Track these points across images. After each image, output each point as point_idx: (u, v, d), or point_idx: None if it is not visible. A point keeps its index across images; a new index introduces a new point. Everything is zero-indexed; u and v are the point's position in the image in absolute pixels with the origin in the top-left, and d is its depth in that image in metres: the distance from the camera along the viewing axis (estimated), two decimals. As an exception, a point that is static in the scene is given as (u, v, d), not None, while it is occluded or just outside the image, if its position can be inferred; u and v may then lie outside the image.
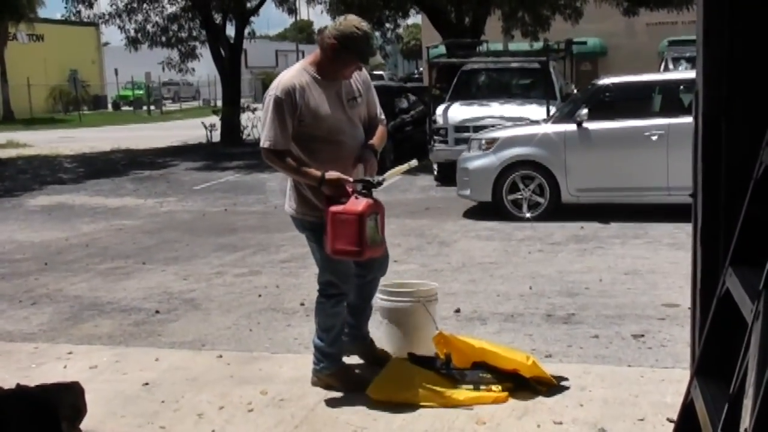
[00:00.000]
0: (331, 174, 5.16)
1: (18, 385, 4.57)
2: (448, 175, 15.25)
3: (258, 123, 26.57)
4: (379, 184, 5.31)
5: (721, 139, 3.76)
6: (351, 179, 5.22)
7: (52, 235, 12.34)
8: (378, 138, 5.55)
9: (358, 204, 5.10)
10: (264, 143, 5.26)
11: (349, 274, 5.50)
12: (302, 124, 5.25)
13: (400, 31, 32.05)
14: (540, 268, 9.04)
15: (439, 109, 17.33)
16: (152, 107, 56.12)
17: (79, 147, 28.44)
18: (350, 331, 5.82)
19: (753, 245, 3.15)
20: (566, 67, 21.32)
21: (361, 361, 5.94)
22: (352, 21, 5.30)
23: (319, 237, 5.35)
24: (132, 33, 28.66)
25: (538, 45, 22.99)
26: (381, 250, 5.43)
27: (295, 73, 5.34)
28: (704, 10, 3.81)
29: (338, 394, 5.41)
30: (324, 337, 5.54)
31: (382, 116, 5.70)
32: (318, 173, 5.17)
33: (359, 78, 5.50)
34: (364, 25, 5.31)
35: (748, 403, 2.47)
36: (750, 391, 2.47)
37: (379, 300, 6.03)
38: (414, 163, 5.70)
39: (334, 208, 5.11)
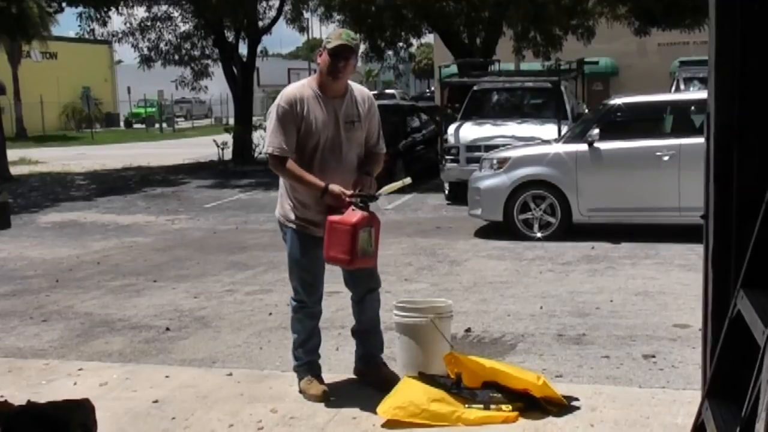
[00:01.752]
0: (334, 187, 5.41)
1: (28, 401, 4.58)
2: (459, 194, 15.26)
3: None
4: (375, 198, 5.57)
5: (733, 160, 3.76)
6: (349, 192, 5.44)
7: (64, 252, 12.37)
8: (375, 164, 5.79)
9: (353, 216, 5.35)
10: (267, 149, 5.54)
11: (314, 286, 5.77)
12: (298, 134, 5.51)
13: (413, 50, 32.11)
14: (551, 288, 9.03)
15: (451, 129, 17.34)
16: (164, 125, 56.26)
17: (91, 164, 28.54)
18: (363, 356, 6.03)
19: (765, 268, 3.14)
20: (578, 87, 21.33)
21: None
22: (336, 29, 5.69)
23: (290, 244, 5.71)
24: (145, 51, 28.75)
25: (551, 65, 23.00)
26: (372, 261, 5.65)
27: (298, 86, 5.66)
28: (716, 31, 3.82)
29: (349, 413, 5.41)
30: (293, 339, 5.94)
31: (382, 145, 5.90)
32: (322, 183, 5.43)
33: (363, 103, 5.72)
34: (343, 29, 5.65)
35: (760, 427, 2.47)
36: (762, 416, 2.47)
37: (393, 316, 6.07)
38: (408, 180, 5.91)
39: (332, 218, 5.38)
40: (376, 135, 5.81)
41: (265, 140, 5.56)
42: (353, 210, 5.37)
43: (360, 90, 5.80)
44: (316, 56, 5.65)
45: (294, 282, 5.82)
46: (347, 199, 5.40)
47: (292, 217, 5.66)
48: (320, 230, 5.52)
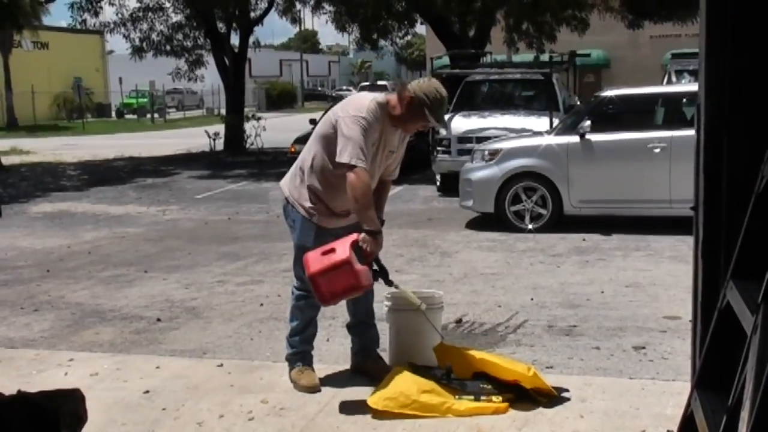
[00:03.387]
0: (381, 241, 5.34)
1: (19, 391, 4.57)
2: (450, 185, 15.27)
3: (261, 132, 26.70)
4: (391, 284, 5.58)
5: (723, 152, 3.77)
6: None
7: (55, 242, 12.35)
8: (384, 193, 5.82)
9: (366, 279, 5.28)
10: (355, 161, 5.27)
11: None
12: None
13: (408, 38, 32.12)
14: (542, 280, 9.04)
15: (443, 120, 17.31)
16: (156, 115, 56.18)
17: (83, 154, 28.49)
18: (360, 350, 6.05)
19: (754, 258, 3.15)
20: (569, 79, 21.33)
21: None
22: (434, 83, 5.60)
23: (300, 232, 5.71)
24: (137, 42, 28.70)
25: (544, 57, 23.02)
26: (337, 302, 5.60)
27: (378, 106, 5.50)
28: (707, 24, 3.83)
29: (339, 404, 5.42)
30: (290, 327, 5.93)
31: (397, 172, 5.92)
32: (378, 225, 5.35)
33: (405, 136, 5.77)
34: (443, 90, 5.59)
35: (744, 415, 2.48)
36: (747, 404, 2.48)
37: (383, 307, 6.07)
38: (423, 307, 5.76)
39: (351, 260, 5.19)
40: (396, 163, 5.84)
41: (348, 148, 5.28)
42: (368, 271, 5.30)
43: None
44: (404, 92, 5.48)
45: (298, 270, 5.77)
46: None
47: (307, 205, 5.64)
48: (331, 222, 5.63)
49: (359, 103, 5.52)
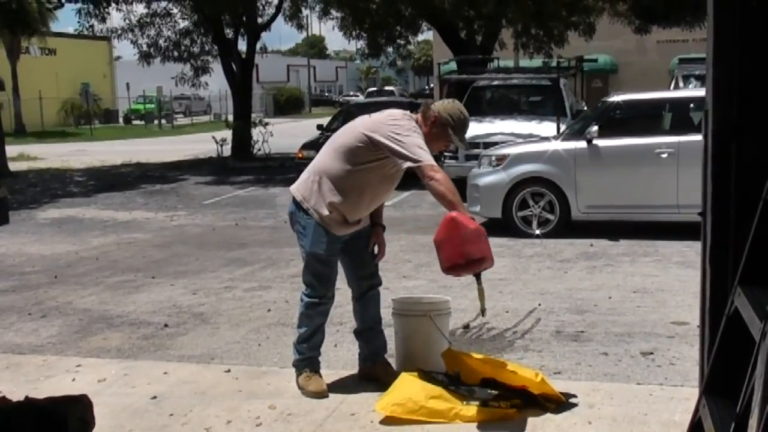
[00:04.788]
0: None
1: (27, 397, 4.58)
2: (458, 191, 15.23)
3: (269, 137, 26.73)
4: (478, 277, 6.02)
5: (731, 158, 3.76)
6: None
7: (62, 248, 12.37)
8: (381, 212, 6.11)
9: (487, 250, 5.83)
10: (431, 161, 5.47)
11: (330, 280, 5.79)
12: (381, 162, 5.56)
13: (411, 48, 32.14)
14: (549, 285, 9.03)
15: (450, 125, 17.29)
16: (163, 121, 56.28)
17: (90, 160, 28.55)
18: (369, 355, 6.07)
19: (762, 265, 3.15)
20: (577, 84, 21.32)
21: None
22: (458, 105, 5.78)
23: (312, 238, 5.68)
24: (144, 47, 28.75)
25: (552, 62, 23.00)
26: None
27: (413, 122, 5.68)
28: (715, 29, 3.82)
29: (347, 409, 5.41)
30: (298, 333, 5.90)
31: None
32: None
33: None
34: (466, 112, 5.78)
35: (753, 423, 2.47)
36: (755, 411, 2.47)
37: (391, 313, 6.08)
38: (485, 316, 6.24)
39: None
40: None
41: (417, 152, 5.43)
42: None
43: None
44: (429, 112, 5.64)
45: (308, 277, 5.79)
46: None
47: (324, 212, 5.61)
48: (342, 229, 5.66)
49: (400, 117, 5.64)
